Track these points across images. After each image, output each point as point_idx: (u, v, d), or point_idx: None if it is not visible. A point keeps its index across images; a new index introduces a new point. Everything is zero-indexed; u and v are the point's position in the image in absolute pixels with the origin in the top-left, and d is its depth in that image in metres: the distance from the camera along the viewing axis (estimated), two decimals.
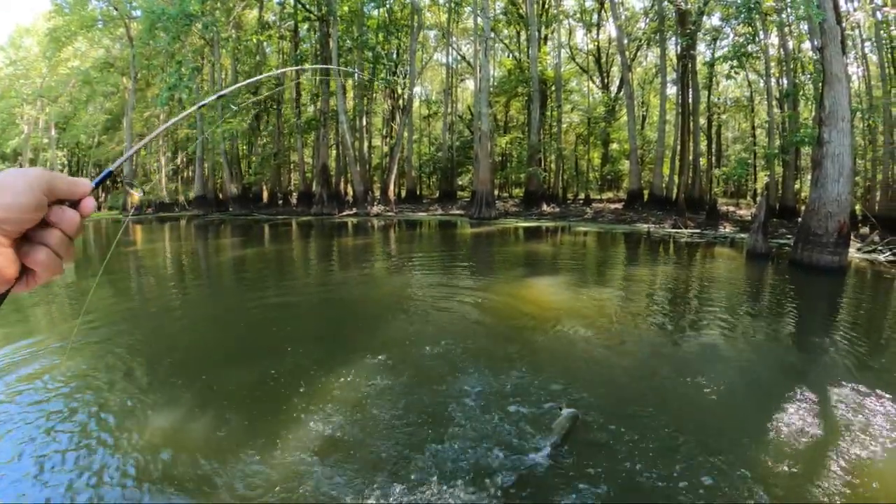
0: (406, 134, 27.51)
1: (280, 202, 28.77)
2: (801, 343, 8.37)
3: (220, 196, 29.13)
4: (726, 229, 20.13)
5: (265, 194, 29.28)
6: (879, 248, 15.44)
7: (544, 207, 23.89)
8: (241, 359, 7.48)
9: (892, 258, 14.22)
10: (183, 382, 6.54)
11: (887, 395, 5.66)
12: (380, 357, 7.11)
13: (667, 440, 4.99)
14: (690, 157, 22.54)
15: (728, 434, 5.10)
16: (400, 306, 10.17)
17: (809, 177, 18.82)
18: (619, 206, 24.75)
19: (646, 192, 24.25)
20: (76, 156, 37.81)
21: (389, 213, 24.26)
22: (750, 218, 19.45)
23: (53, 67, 31.41)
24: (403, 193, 28.38)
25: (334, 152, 27.81)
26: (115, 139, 34.55)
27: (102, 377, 6.93)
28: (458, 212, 24.09)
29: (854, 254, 13.37)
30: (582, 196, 27.65)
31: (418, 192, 28.93)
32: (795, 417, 5.48)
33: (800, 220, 16.32)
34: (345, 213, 24.15)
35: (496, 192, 26.70)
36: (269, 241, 19.41)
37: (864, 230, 17.11)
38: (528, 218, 22.39)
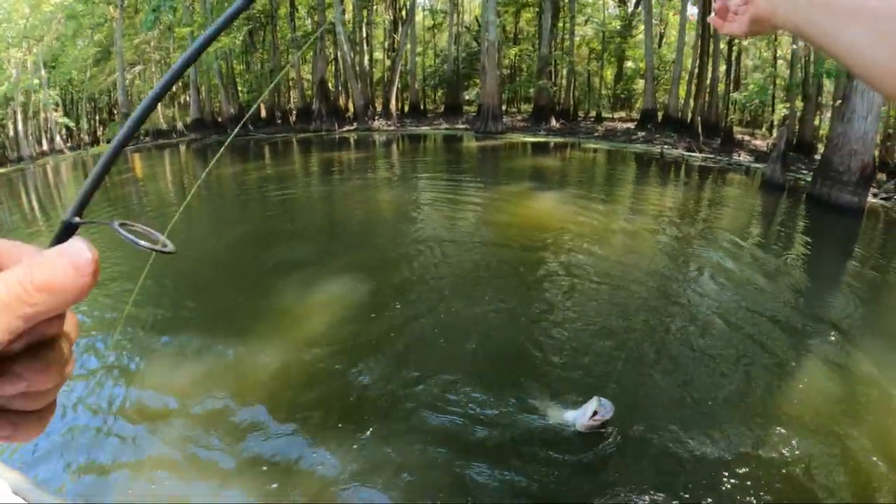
0: (409, 46, 26.00)
1: (279, 120, 27.79)
2: (817, 282, 7.93)
3: (218, 118, 28.20)
4: (741, 157, 19.32)
5: (263, 113, 28.27)
6: (895, 196, 14.92)
7: (553, 123, 22.85)
8: (236, 266, 7.36)
9: None
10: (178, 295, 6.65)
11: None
12: (369, 272, 6.80)
13: (659, 378, 4.66)
14: (708, 81, 21.28)
15: (725, 376, 4.74)
16: (398, 220, 9.80)
17: (829, 114, 18.09)
18: (630, 125, 23.68)
19: (659, 114, 23.12)
20: (69, 93, 36.58)
21: (391, 128, 23.36)
22: (766, 148, 18.75)
23: (36, 6, 29.67)
24: (406, 108, 27.25)
25: (333, 67, 26.51)
26: (106, 70, 33.17)
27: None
28: (463, 126, 23.08)
29: (870, 199, 12.80)
30: (593, 114, 26.43)
31: (422, 107, 27.67)
32: (800, 360, 5.13)
33: (819, 155, 15.78)
34: (345, 129, 23.26)
35: (504, 107, 25.48)
36: (269, 159, 18.85)
37: (881, 177, 16.33)
38: (536, 133, 21.45)
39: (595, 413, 3.50)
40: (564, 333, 5.26)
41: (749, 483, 3.49)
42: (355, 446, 3.67)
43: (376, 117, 24.43)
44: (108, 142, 28.16)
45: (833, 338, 5.63)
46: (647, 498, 3.32)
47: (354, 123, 23.82)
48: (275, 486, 3.41)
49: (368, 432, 3.79)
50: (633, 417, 3.91)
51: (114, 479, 3.54)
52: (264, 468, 3.55)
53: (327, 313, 5.53)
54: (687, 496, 3.36)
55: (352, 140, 21.46)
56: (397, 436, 3.76)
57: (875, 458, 3.79)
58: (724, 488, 3.44)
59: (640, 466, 3.57)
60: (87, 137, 35.51)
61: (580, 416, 3.63)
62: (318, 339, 4.96)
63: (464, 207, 10.22)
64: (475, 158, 18.04)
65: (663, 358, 4.89)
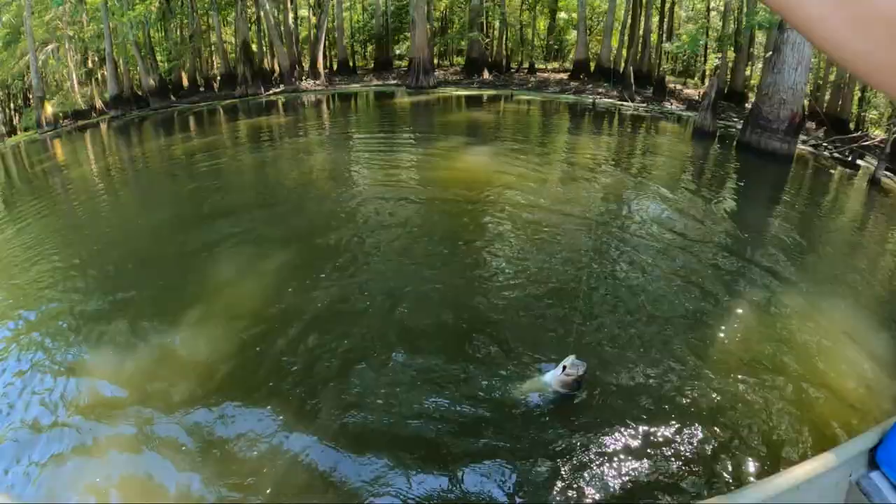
0: (335, 1, 24.95)
1: (202, 88, 26.36)
2: (748, 224, 8.28)
3: (139, 92, 26.47)
4: (673, 106, 19.74)
5: (185, 81, 26.70)
6: (824, 144, 15.42)
7: (486, 76, 22.62)
8: (169, 245, 7.04)
9: (837, 155, 14.34)
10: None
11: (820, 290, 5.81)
12: (304, 240, 6.69)
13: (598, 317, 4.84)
14: (641, 32, 21.42)
15: (653, 314, 4.99)
16: (332, 184, 9.61)
17: (760, 65, 18.60)
18: (563, 76, 23.74)
19: (592, 64, 23.21)
20: None
21: (320, 88, 22.55)
22: (698, 97, 19.14)
23: None
24: (335, 66, 26.31)
25: (256, 28, 25.23)
26: (16, 53, 30.40)
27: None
28: (394, 82, 22.52)
29: (799, 146, 13.39)
30: (526, 65, 26.27)
31: (351, 64, 26.75)
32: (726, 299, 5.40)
33: (749, 104, 16.20)
34: (272, 92, 22.28)
35: (436, 60, 24.98)
36: (195, 130, 17.96)
37: (810, 125, 16.98)
38: (468, 86, 21.21)
39: (565, 368, 3.57)
40: (513, 289, 5.33)
41: (693, 414, 3.79)
42: (307, 424, 3.68)
43: (304, 77, 23.50)
44: (26, 130, 25.94)
45: (765, 275, 6.01)
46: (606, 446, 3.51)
47: (281, 85, 22.85)
48: (231, 464, 3.41)
49: (322, 409, 3.79)
50: (596, 368, 4.07)
51: (68, 470, 3.49)
52: (216, 448, 3.55)
53: (264, 287, 5.46)
54: (650, 437, 3.60)
55: (279, 103, 20.63)
56: (360, 409, 3.79)
57: (805, 385, 4.20)
58: (679, 422, 3.72)
59: (605, 415, 3.76)
60: (2, 128, 32.81)
61: (556, 375, 3.69)
62: (257, 315, 4.90)
63: (399, 165, 10.10)
64: (408, 114, 17.72)
65: (614, 306, 5.10)
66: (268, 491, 3.24)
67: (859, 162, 13.76)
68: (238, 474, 3.34)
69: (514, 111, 18.12)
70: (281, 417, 3.72)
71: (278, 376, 4.14)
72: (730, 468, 3.42)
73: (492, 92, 20.35)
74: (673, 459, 3.45)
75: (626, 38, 22.46)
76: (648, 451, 3.48)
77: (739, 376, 4.21)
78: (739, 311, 5.20)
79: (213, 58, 29.54)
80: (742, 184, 10.34)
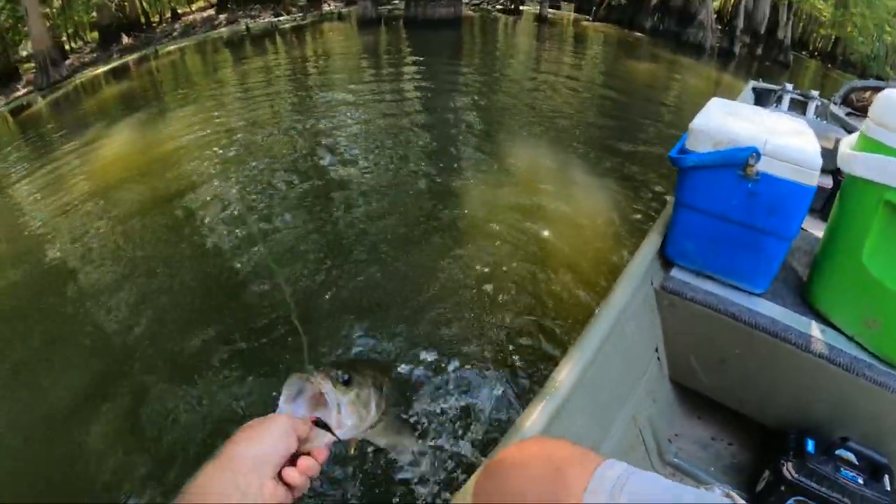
0: None
1: None
2: (439, 88, 8.81)
3: None
4: (331, 6, 20.13)
5: None
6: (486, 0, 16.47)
7: (125, 40, 21.22)
8: None
9: (500, 7, 15.72)
10: None
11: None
12: None
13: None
14: None
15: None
16: None
17: None
18: (212, 11, 23.12)
19: None
20: None
21: None
22: None
23: None
24: None
25: None
26: None
27: None
28: (24, 91, 19.84)
29: (465, 9, 14.17)
30: (168, 14, 24.82)
31: None
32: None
33: None
34: None
35: (69, 45, 22.35)
36: None
37: None
38: (109, 59, 19.83)
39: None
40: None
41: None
42: None
43: None
44: None
45: (475, 139, 6.63)
46: None
47: None
48: None
49: None
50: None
51: None
52: None
53: None
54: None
55: None
56: None
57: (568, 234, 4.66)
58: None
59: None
60: None
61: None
62: None
63: (62, 192, 7.52)
64: (45, 122, 16.23)
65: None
66: None
67: (522, 7, 15.80)
68: None
69: (164, 67, 17.57)
70: None
71: None
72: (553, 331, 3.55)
73: (133, 56, 19.34)
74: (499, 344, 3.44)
75: None
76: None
77: (495, 247, 4.39)
78: (469, 186, 5.43)
79: None
80: (421, 56, 10.99)
